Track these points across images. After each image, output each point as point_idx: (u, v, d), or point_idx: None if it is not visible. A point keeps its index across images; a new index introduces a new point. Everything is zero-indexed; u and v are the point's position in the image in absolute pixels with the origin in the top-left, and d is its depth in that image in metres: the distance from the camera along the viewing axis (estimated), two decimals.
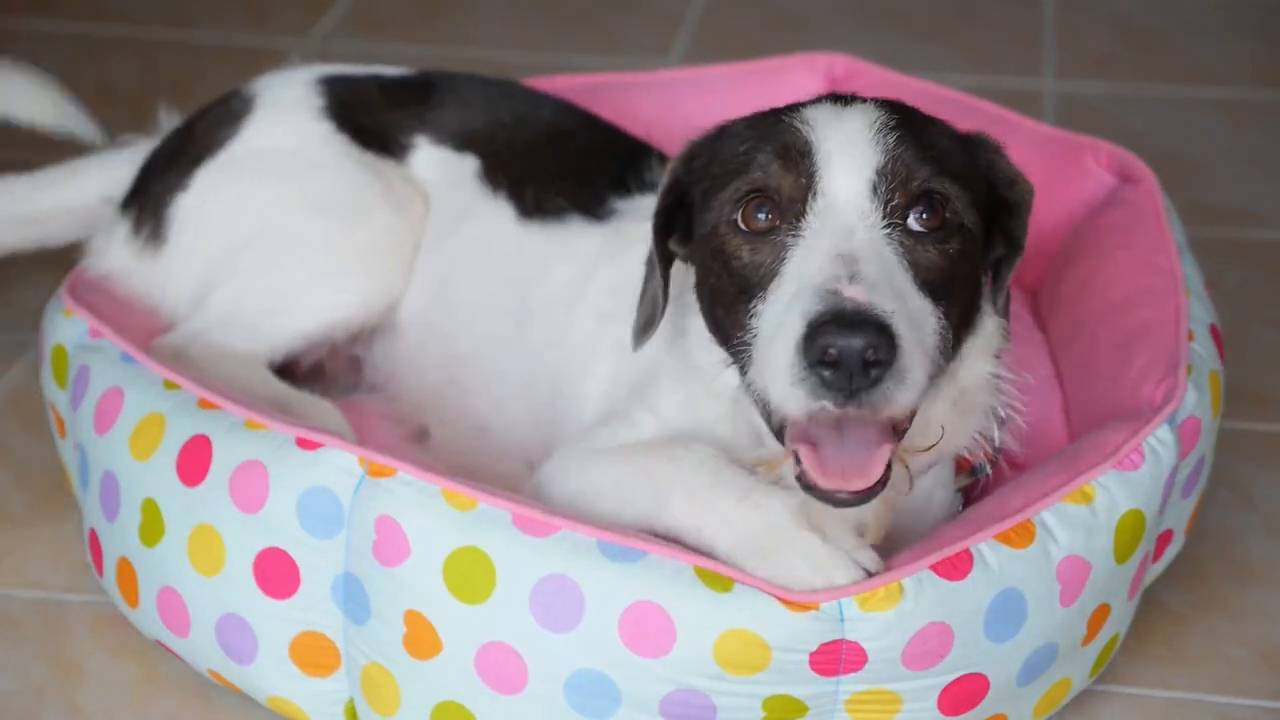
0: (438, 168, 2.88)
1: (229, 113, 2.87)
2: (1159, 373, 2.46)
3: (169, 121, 3.01)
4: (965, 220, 2.15)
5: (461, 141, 2.88)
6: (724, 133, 2.26)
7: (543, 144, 2.87)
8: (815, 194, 2.11)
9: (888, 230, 2.10)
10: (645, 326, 2.32)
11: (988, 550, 2.14)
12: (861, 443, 2.06)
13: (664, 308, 2.29)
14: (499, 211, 2.79)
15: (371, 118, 2.89)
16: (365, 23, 4.54)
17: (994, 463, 2.39)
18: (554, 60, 4.27)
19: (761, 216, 2.14)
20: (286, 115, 2.86)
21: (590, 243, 2.66)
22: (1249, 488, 2.86)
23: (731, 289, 2.16)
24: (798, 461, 2.09)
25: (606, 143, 2.90)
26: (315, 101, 2.88)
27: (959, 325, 2.18)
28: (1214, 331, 2.62)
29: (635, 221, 2.62)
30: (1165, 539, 2.50)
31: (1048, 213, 2.75)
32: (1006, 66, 4.28)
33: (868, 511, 2.17)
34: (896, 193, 2.10)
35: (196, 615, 2.31)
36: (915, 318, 2.05)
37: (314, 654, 2.26)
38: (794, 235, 2.11)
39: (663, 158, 2.84)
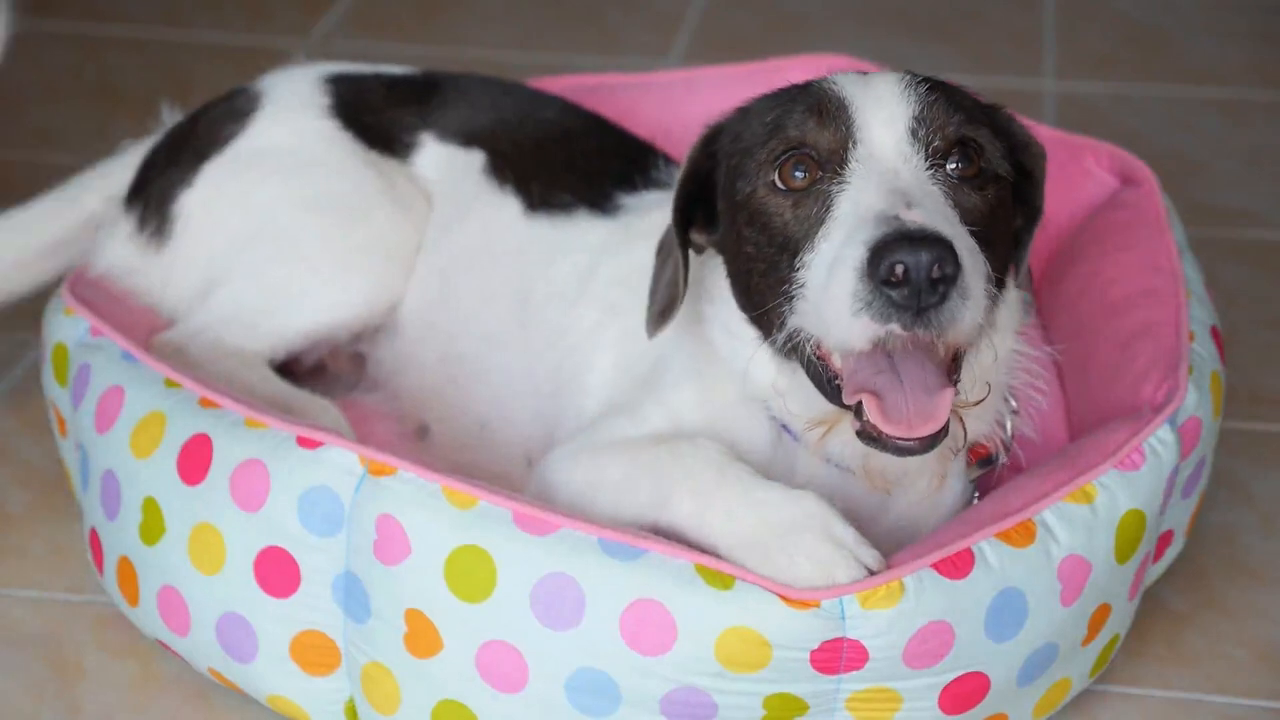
0: (443, 164, 2.88)
1: (234, 109, 2.87)
2: (1160, 373, 2.47)
3: (172, 121, 3.00)
4: (999, 170, 2.17)
5: (467, 138, 2.88)
6: (746, 111, 2.28)
7: (549, 142, 2.87)
8: (855, 143, 2.13)
9: (931, 172, 2.12)
10: (662, 314, 2.32)
11: (989, 549, 2.14)
12: (922, 388, 2.07)
13: (683, 294, 2.30)
14: (505, 205, 2.79)
15: (376, 116, 2.89)
16: (365, 23, 4.54)
17: (1008, 449, 2.39)
18: (554, 60, 4.27)
19: (799, 174, 2.15)
20: (292, 113, 2.86)
21: (596, 236, 2.66)
22: (1249, 488, 2.86)
23: (771, 250, 2.17)
24: (858, 415, 2.10)
25: (613, 142, 2.91)
26: (321, 100, 2.88)
27: (999, 280, 2.19)
28: (1215, 333, 2.62)
29: (643, 216, 2.63)
30: (1166, 539, 2.50)
31: (1049, 214, 2.75)
32: (1006, 66, 4.29)
33: (930, 461, 2.18)
34: (935, 137, 2.13)
35: (197, 614, 2.31)
36: (970, 248, 2.07)
37: (314, 653, 2.26)
38: (838, 184, 2.12)
39: (669, 159, 2.85)
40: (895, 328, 1.99)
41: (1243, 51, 4.40)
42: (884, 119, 2.14)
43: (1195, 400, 2.42)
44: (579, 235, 2.70)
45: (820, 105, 2.16)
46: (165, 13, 4.57)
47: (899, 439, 2.06)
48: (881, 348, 2.04)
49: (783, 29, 4.49)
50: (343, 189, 2.79)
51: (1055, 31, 4.49)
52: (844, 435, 2.17)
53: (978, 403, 2.23)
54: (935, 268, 1.96)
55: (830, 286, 2.04)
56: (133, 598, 2.40)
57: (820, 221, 2.11)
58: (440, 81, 2.97)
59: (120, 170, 2.95)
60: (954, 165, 2.14)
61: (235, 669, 2.32)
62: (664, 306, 2.32)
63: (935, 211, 2.04)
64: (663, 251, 2.37)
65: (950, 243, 1.98)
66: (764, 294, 2.19)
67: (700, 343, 2.36)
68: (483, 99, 2.95)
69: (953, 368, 2.13)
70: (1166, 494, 2.34)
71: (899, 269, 1.96)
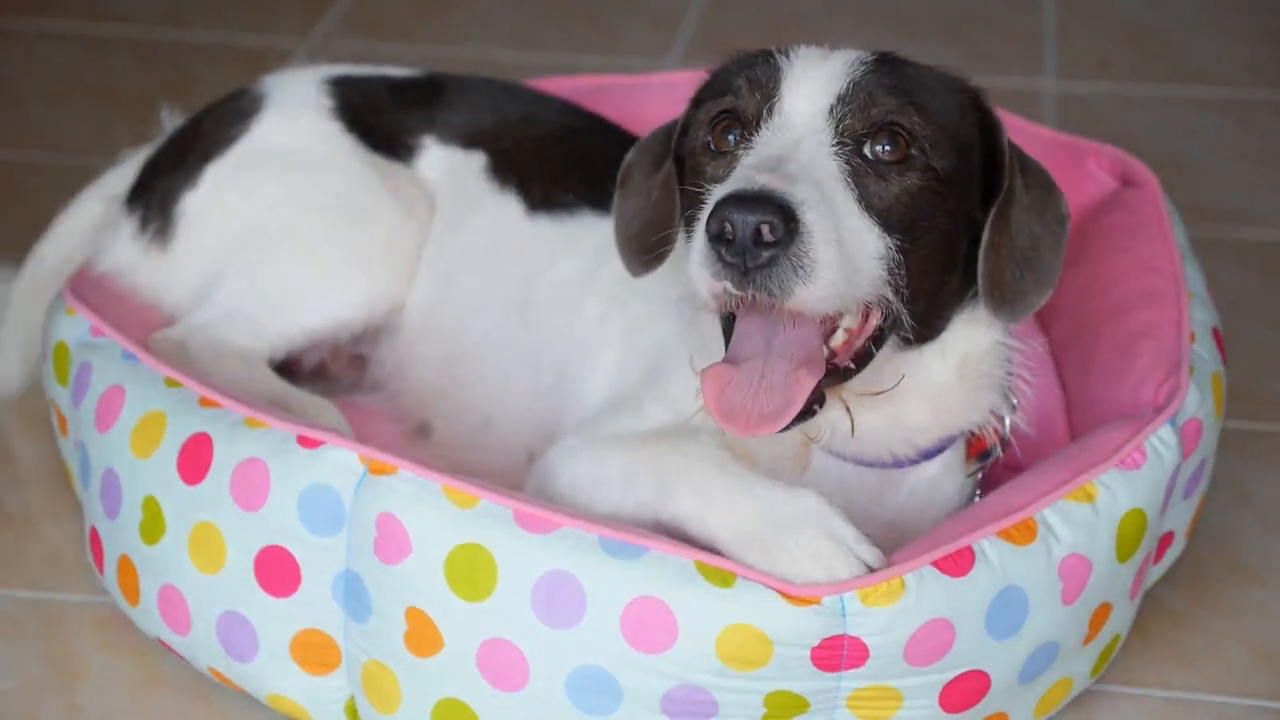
0: (445, 166, 2.88)
1: (238, 110, 2.88)
2: (1161, 374, 2.47)
3: (172, 123, 3.01)
4: (933, 161, 2.15)
5: (469, 139, 2.89)
6: (729, 61, 2.29)
7: (551, 142, 2.88)
8: (772, 112, 2.16)
9: (837, 149, 2.12)
10: (653, 252, 2.34)
11: (990, 547, 2.14)
12: (785, 371, 2.08)
13: (676, 232, 2.32)
14: (506, 206, 2.80)
15: (380, 119, 2.90)
16: (365, 23, 4.54)
17: (1005, 443, 2.39)
18: (554, 60, 4.27)
19: (730, 138, 2.19)
20: (297, 115, 2.86)
21: (601, 235, 2.67)
22: (1249, 488, 2.86)
23: (696, 207, 2.17)
24: None
25: (615, 143, 2.91)
26: (325, 102, 2.88)
27: (927, 272, 2.17)
28: (1216, 335, 2.62)
29: None
30: (1166, 541, 2.50)
31: None
32: (1007, 67, 4.28)
33: (788, 441, 2.19)
34: (853, 118, 2.14)
35: (197, 613, 2.31)
36: (845, 228, 2.06)
37: (314, 652, 2.26)
38: (746, 148, 2.15)
39: None
40: (728, 285, 2.02)
41: (1243, 51, 4.40)
42: (806, 94, 2.15)
43: (1197, 401, 2.42)
44: (581, 234, 2.71)
45: (755, 74, 2.19)
46: (165, 13, 4.57)
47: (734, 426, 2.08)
48: (755, 320, 2.07)
49: (783, 29, 4.49)
50: (346, 191, 2.79)
51: (1055, 31, 4.49)
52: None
53: (878, 393, 2.22)
54: (767, 230, 1.97)
55: (692, 241, 2.08)
56: (133, 597, 2.40)
57: (722, 181, 2.13)
58: (443, 83, 2.98)
59: (117, 181, 2.95)
60: (879, 148, 2.14)
61: (235, 668, 2.32)
62: (654, 245, 2.34)
63: (802, 180, 2.05)
64: (625, 185, 2.39)
65: (791, 208, 1.99)
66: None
67: (703, 336, 2.37)
68: (485, 100, 2.95)
69: (849, 351, 2.13)
70: (1167, 494, 2.34)
71: (727, 227, 1.98)
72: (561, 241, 2.72)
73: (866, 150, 2.13)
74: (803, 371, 2.08)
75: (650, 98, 3.30)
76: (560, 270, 2.68)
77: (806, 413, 2.08)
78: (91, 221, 2.92)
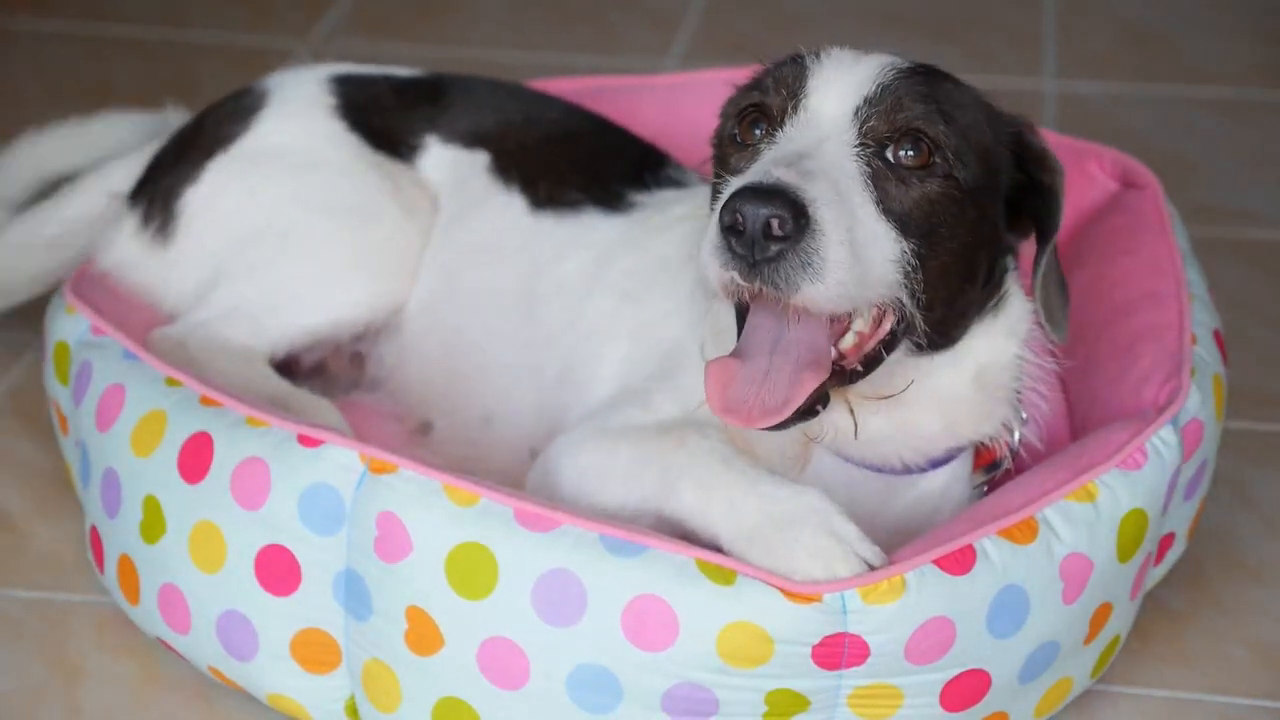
0: (448, 166, 2.89)
1: (241, 108, 2.88)
2: (1162, 375, 2.47)
3: (176, 119, 3.01)
4: (956, 171, 2.17)
5: (473, 139, 2.89)
6: (771, 63, 2.32)
7: (555, 142, 2.88)
8: (797, 109, 2.18)
9: (859, 150, 2.14)
10: None
11: (991, 546, 2.15)
12: (791, 368, 2.09)
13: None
14: (510, 203, 2.80)
15: (383, 119, 2.90)
16: (366, 23, 4.54)
17: (1015, 454, 2.39)
18: (554, 60, 4.27)
19: (757, 132, 2.22)
20: (300, 113, 2.86)
21: (609, 232, 2.68)
22: (1249, 488, 2.86)
23: (718, 197, 2.20)
24: None
25: (619, 144, 2.92)
26: (328, 100, 2.89)
27: (945, 280, 2.18)
28: (1217, 336, 2.63)
29: (660, 211, 2.65)
30: (1167, 542, 2.50)
31: None
32: (1007, 66, 4.28)
33: (787, 440, 2.21)
34: (878, 121, 2.15)
35: (197, 612, 2.31)
36: (860, 228, 2.07)
37: (315, 651, 2.26)
38: (770, 143, 2.18)
39: (679, 164, 2.86)
40: (735, 275, 2.04)
41: (1243, 51, 4.40)
42: (833, 94, 2.17)
43: (1198, 402, 2.43)
44: (587, 232, 2.71)
45: (783, 72, 2.22)
46: (166, 13, 4.57)
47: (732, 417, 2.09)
48: (765, 315, 2.09)
49: (783, 29, 4.49)
50: (349, 190, 2.79)
51: (1055, 31, 4.49)
52: None
53: (885, 397, 2.23)
54: (776, 224, 1.99)
55: (708, 230, 2.10)
56: (133, 596, 2.40)
57: (742, 173, 2.15)
58: (446, 84, 2.98)
59: (119, 169, 2.95)
60: (902, 153, 2.15)
61: (236, 667, 2.32)
62: None
63: (820, 177, 2.06)
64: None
65: (803, 204, 2.00)
66: None
67: (718, 326, 2.37)
68: (488, 101, 2.95)
69: (859, 354, 2.15)
70: (1168, 495, 2.34)
71: (739, 218, 2.00)
72: (567, 238, 2.72)
73: (889, 154, 2.15)
74: (807, 374, 2.09)
75: (648, 99, 3.31)
76: (566, 266, 2.69)
77: (809, 412, 2.09)
78: (88, 209, 2.92)
